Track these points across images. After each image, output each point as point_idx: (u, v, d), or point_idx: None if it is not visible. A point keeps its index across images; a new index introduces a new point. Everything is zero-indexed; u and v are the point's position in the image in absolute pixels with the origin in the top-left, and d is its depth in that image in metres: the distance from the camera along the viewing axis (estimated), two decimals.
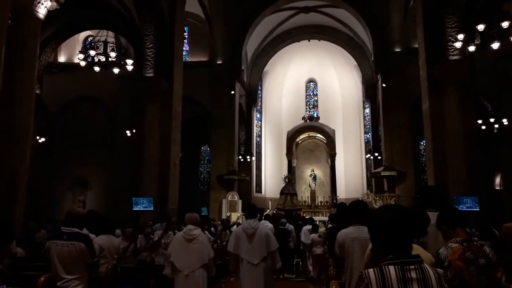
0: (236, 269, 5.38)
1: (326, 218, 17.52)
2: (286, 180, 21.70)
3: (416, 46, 15.22)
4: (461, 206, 11.47)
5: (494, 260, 2.74)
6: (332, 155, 25.46)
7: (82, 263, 4.27)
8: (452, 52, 12.91)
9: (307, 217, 15.92)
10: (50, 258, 4.27)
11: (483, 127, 16.57)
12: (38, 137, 19.01)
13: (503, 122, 17.04)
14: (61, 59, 22.96)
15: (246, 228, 5.33)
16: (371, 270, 1.89)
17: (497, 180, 19.36)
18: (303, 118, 26.35)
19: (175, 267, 5.09)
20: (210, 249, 5.37)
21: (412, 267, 1.87)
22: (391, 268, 1.86)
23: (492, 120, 17.18)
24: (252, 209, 5.75)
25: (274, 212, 18.54)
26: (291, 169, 25.54)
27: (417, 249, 2.76)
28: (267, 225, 11.16)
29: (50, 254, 4.25)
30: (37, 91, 14.00)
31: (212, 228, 11.68)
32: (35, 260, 5.81)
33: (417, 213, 3.05)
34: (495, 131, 17.43)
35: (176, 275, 5.10)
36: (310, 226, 11.04)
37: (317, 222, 12.50)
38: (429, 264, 2.58)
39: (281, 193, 20.99)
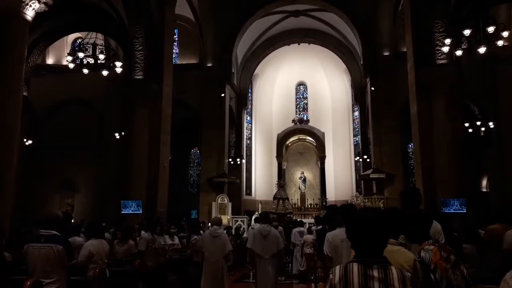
0: (252, 261, 6.85)
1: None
2: (279, 186, 22.38)
3: (405, 50, 15.38)
4: (448, 208, 11.62)
5: (457, 255, 2.91)
6: (321, 158, 25.58)
7: (61, 265, 4.23)
8: (440, 56, 13.08)
9: (298, 219, 16.23)
10: (28, 262, 4.22)
11: (470, 130, 16.79)
12: (25, 140, 18.80)
13: (489, 125, 17.29)
14: (49, 61, 22.74)
15: (262, 230, 6.73)
16: (337, 267, 2.03)
17: (484, 182, 19.63)
18: (293, 121, 26.45)
19: (204, 256, 6.69)
20: (229, 244, 6.95)
21: (375, 266, 1.95)
22: (355, 265, 1.97)
23: (478, 123, 17.42)
24: (267, 217, 7.28)
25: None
26: (281, 171, 25.60)
27: (399, 251, 2.81)
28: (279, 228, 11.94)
29: (28, 257, 4.21)
30: (24, 93, 13.86)
31: (201, 231, 11.62)
32: (22, 264, 5.75)
33: (392, 213, 3.11)
34: (482, 134, 17.68)
35: (204, 262, 6.69)
36: (300, 228, 11.66)
37: (307, 224, 12.81)
38: (410, 265, 2.65)
39: (274, 197, 21.83)
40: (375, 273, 1.93)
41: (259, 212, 21.43)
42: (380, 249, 2.04)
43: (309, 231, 11.24)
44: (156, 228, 7.95)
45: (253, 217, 18.67)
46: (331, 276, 1.99)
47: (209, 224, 15.68)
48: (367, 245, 2.02)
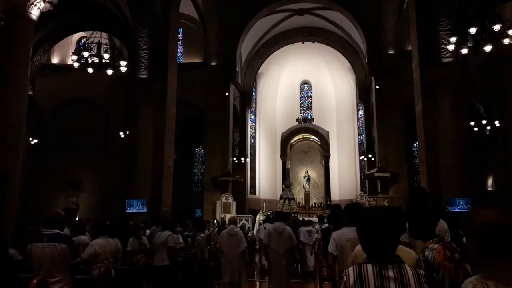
0: (267, 255, 7.56)
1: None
2: (286, 186, 22.74)
3: (410, 48, 15.30)
4: (454, 207, 11.55)
5: (462, 254, 2.88)
6: (326, 157, 25.53)
7: (65, 264, 4.22)
8: (445, 54, 12.99)
9: (301, 218, 16.33)
10: (32, 261, 4.21)
11: (476, 129, 16.70)
12: (30, 139, 18.88)
13: (495, 124, 17.19)
14: (54, 60, 22.84)
15: (277, 228, 7.40)
16: (350, 268, 1.96)
17: (489, 181, 19.52)
18: (297, 119, 26.42)
19: (223, 252, 7.35)
20: (245, 241, 7.62)
21: (390, 266, 1.92)
22: (369, 266, 1.92)
23: (484, 122, 17.32)
24: (280, 216, 8.22)
25: (269, 214, 18.80)
26: (285, 170, 25.58)
27: (400, 249, 2.83)
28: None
29: (31, 257, 4.19)
30: (29, 92, 13.90)
31: (206, 231, 11.65)
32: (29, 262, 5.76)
33: (398, 213, 3.11)
34: (487, 133, 17.58)
35: (224, 258, 7.38)
36: (309, 228, 11.94)
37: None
38: (412, 263, 2.66)
39: (280, 197, 22.24)
40: (391, 273, 1.90)
41: (263, 211, 21.56)
42: (394, 248, 2.00)
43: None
44: (175, 227, 8.02)
45: (258, 217, 18.89)
46: (344, 278, 1.93)
47: (215, 221, 15.82)
48: (381, 245, 1.97)
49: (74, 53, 13.55)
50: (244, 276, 7.64)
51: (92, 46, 13.09)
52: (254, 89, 26.76)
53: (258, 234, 13.04)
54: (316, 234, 11.14)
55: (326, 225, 8.62)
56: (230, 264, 7.28)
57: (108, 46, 13.46)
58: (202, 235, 9.53)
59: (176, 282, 7.44)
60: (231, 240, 7.31)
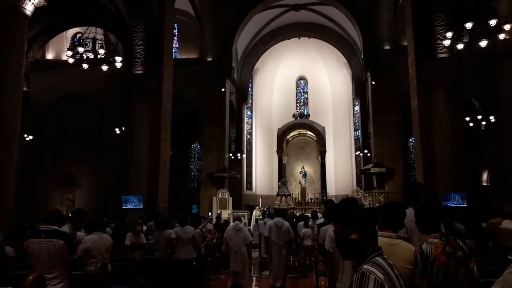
0: (267, 247, 8.28)
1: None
2: (282, 184, 22.81)
3: (406, 44, 15.32)
4: (449, 202, 11.62)
5: (468, 252, 2.90)
6: (322, 152, 25.59)
7: (63, 260, 4.20)
8: (441, 50, 13.01)
9: (297, 213, 16.42)
10: (29, 257, 4.19)
11: (471, 124, 16.74)
12: (25, 135, 18.79)
13: (490, 119, 17.23)
14: (49, 56, 22.69)
15: (277, 222, 8.32)
16: (368, 266, 1.99)
17: (484, 176, 19.62)
18: (294, 115, 26.43)
19: (229, 246, 8.11)
20: (249, 235, 8.49)
21: (385, 256, 2.08)
22: (380, 259, 2.03)
23: (479, 117, 17.37)
24: (280, 211, 9.48)
25: (265, 209, 18.98)
26: (281, 166, 25.61)
27: (399, 244, 2.86)
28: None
29: (29, 253, 4.17)
30: (24, 89, 13.82)
31: (200, 226, 11.63)
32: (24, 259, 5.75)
33: (399, 207, 3.16)
34: (482, 128, 17.64)
35: (230, 251, 8.12)
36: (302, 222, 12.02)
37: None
38: (412, 257, 2.78)
39: (277, 194, 22.33)
40: (390, 261, 2.06)
41: (260, 206, 21.66)
42: None
43: (306, 224, 11.63)
44: (186, 222, 8.08)
45: (254, 212, 18.94)
46: (372, 276, 1.93)
47: (209, 214, 15.71)
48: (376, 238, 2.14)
49: (69, 49, 13.43)
50: (248, 266, 8.37)
51: (87, 42, 13.00)
52: (250, 85, 26.73)
53: (258, 229, 13.29)
54: (303, 229, 11.51)
55: (322, 220, 8.68)
56: (235, 255, 8.03)
57: (103, 42, 13.37)
58: (198, 230, 9.55)
59: (201, 272, 8.57)
60: (236, 234, 8.11)
